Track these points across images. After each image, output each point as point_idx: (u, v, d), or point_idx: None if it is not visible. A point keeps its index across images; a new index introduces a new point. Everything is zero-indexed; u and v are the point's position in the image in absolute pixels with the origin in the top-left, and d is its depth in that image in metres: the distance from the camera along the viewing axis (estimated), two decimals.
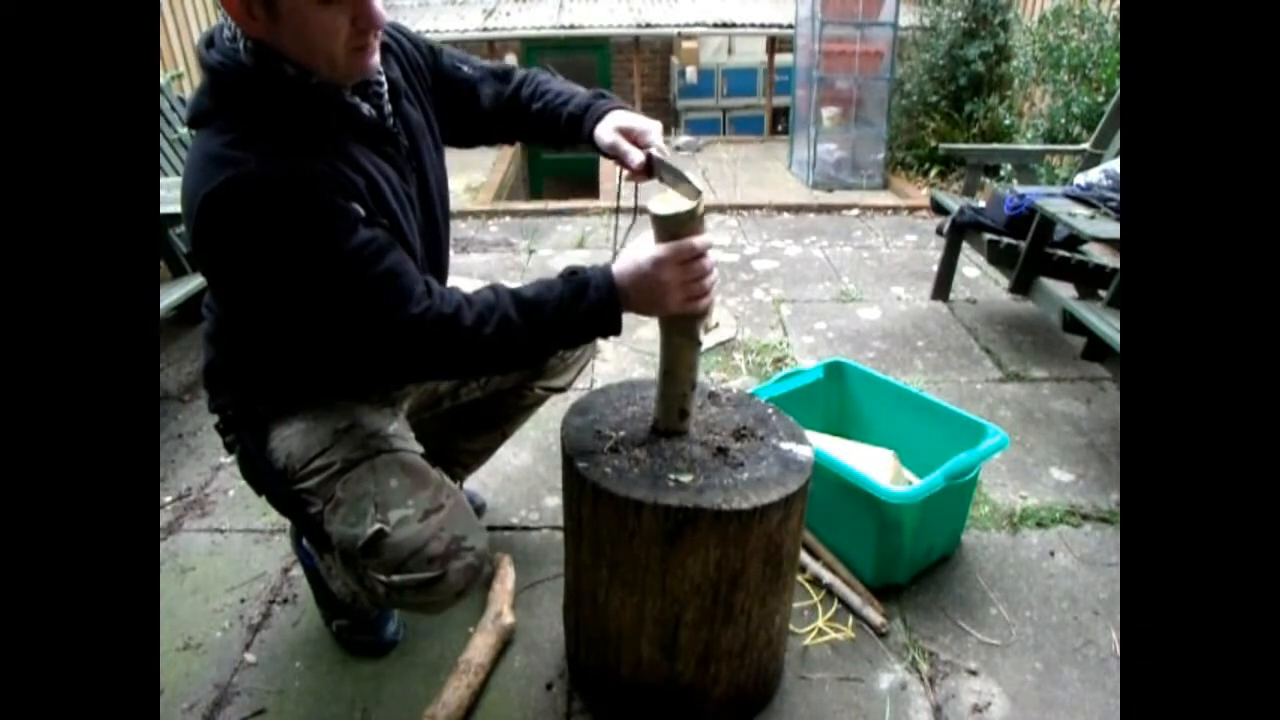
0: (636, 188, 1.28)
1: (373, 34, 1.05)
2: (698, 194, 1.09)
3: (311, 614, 1.60)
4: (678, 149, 6.75)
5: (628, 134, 1.22)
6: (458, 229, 4.37)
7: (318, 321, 1.05)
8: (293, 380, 1.22)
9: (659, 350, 1.24)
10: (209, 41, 1.06)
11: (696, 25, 7.63)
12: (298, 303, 1.03)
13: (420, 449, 1.26)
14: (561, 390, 1.61)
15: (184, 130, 3.11)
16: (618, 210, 1.36)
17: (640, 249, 1.10)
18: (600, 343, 2.93)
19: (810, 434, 1.45)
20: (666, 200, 1.10)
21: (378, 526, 1.13)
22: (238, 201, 0.97)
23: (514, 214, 4.77)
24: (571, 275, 1.10)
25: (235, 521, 1.92)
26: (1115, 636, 1.57)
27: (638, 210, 1.30)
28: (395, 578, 1.13)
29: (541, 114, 1.34)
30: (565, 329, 1.10)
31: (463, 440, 1.66)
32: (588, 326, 1.11)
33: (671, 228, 1.09)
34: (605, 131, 1.23)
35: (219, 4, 0.98)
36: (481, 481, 2.02)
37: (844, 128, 5.70)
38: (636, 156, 1.19)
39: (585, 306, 1.08)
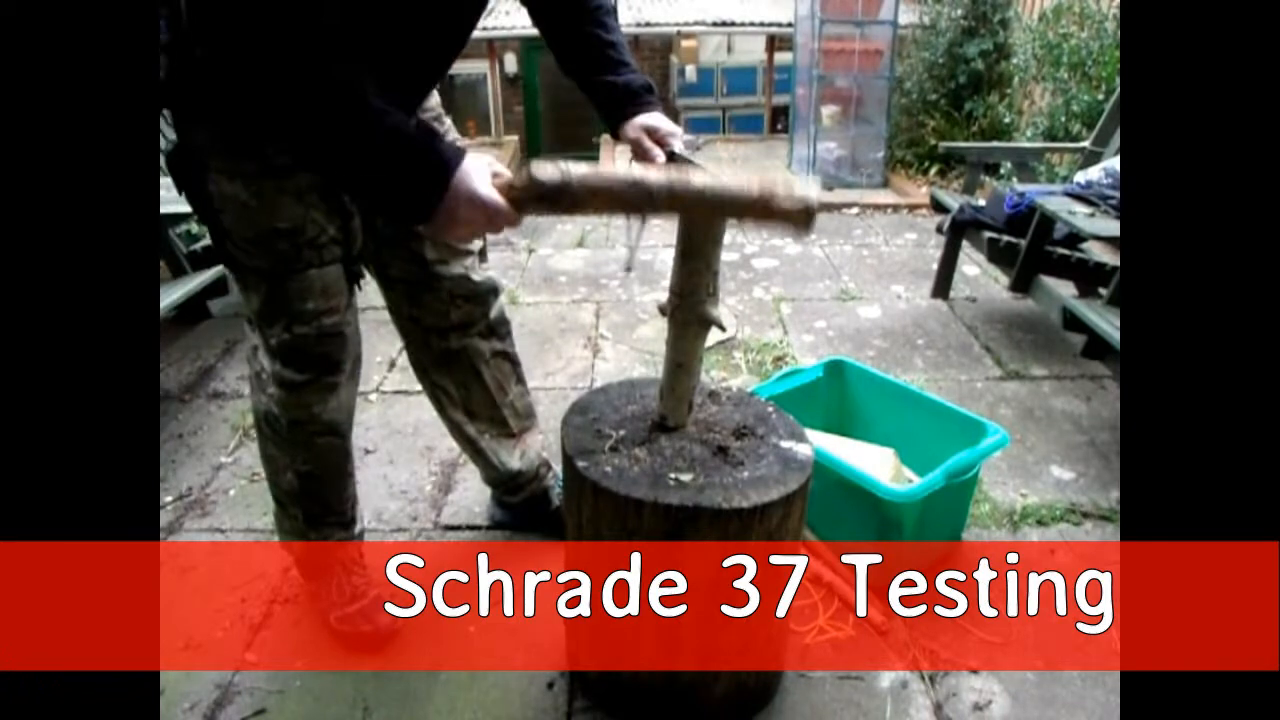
0: None
1: None
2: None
3: (312, 614, 1.60)
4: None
5: (652, 133, 1.27)
6: None
7: None
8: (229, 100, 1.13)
9: (669, 345, 1.24)
10: None
11: (696, 24, 7.62)
12: None
13: (338, 256, 1.32)
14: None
15: None
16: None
17: (483, 173, 1.03)
18: (600, 342, 2.93)
19: (810, 432, 1.44)
20: None
21: (285, 336, 1.32)
22: None
23: None
24: (433, 141, 1.02)
25: (235, 521, 1.92)
26: (1116, 635, 1.57)
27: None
28: (280, 368, 1.35)
29: (584, 48, 1.33)
30: (379, 165, 1.01)
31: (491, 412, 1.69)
32: (398, 182, 1.02)
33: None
34: (631, 128, 1.29)
35: None
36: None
37: (844, 126, 5.69)
38: (659, 156, 1.25)
39: (417, 165, 1.01)
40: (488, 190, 1.02)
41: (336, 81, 0.98)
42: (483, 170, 1.03)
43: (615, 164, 1.25)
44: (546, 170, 0.99)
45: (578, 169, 0.99)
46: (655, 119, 1.29)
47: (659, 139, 1.27)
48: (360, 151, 1.01)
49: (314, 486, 1.50)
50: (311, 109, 0.99)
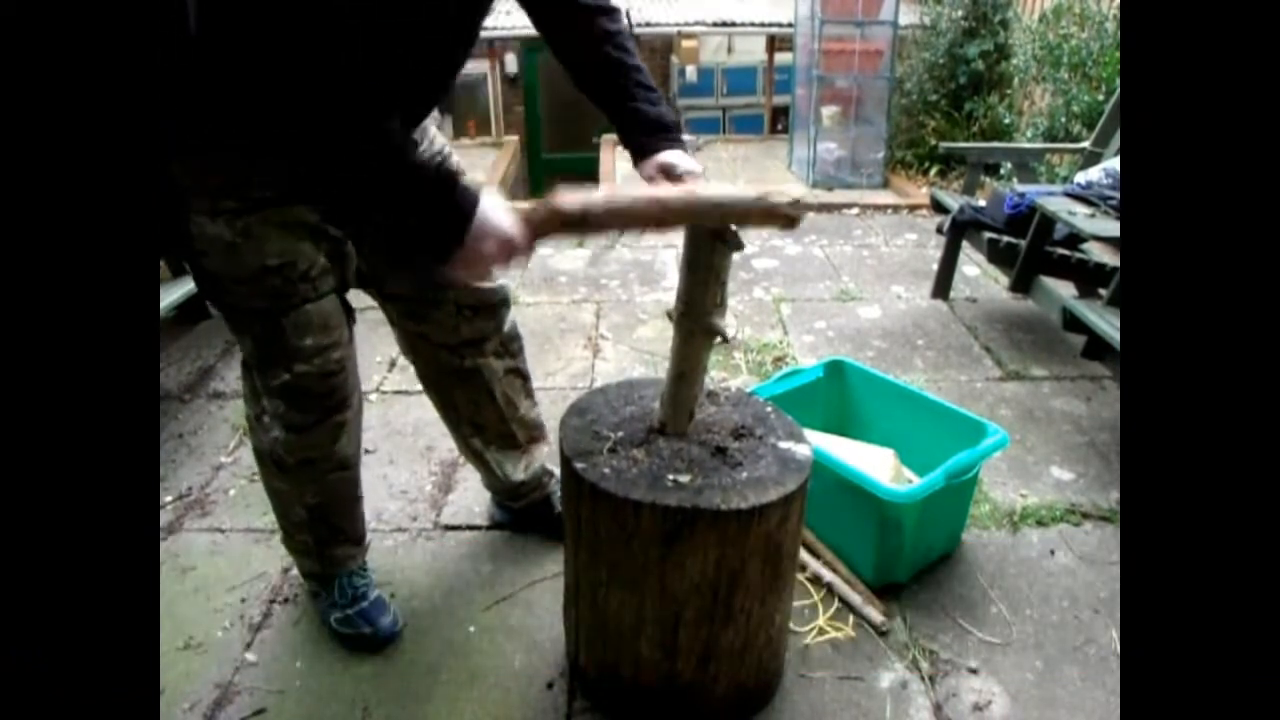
0: None
1: None
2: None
3: (312, 614, 1.60)
4: None
5: (669, 171, 1.28)
6: None
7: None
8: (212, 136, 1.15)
9: (673, 352, 1.24)
10: None
11: (696, 24, 7.63)
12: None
13: (334, 285, 1.31)
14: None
15: None
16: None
17: (501, 209, 1.11)
18: (600, 342, 2.93)
19: (810, 433, 1.45)
20: None
21: (285, 377, 1.30)
22: None
23: None
24: (455, 183, 1.10)
25: (235, 521, 1.92)
26: (1115, 635, 1.57)
27: None
28: (286, 411, 1.33)
29: (607, 73, 1.32)
30: (412, 196, 1.09)
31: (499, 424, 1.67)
32: (424, 224, 1.10)
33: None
34: (649, 166, 1.30)
35: None
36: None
37: (844, 126, 5.69)
38: None
39: (445, 199, 1.08)
40: (507, 224, 1.10)
41: (377, 132, 1.04)
42: (501, 206, 1.11)
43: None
44: (568, 201, 1.07)
45: (597, 196, 1.07)
46: (676, 156, 1.28)
47: (675, 178, 1.25)
48: (390, 196, 1.09)
49: (324, 515, 1.48)
50: (350, 159, 1.06)
